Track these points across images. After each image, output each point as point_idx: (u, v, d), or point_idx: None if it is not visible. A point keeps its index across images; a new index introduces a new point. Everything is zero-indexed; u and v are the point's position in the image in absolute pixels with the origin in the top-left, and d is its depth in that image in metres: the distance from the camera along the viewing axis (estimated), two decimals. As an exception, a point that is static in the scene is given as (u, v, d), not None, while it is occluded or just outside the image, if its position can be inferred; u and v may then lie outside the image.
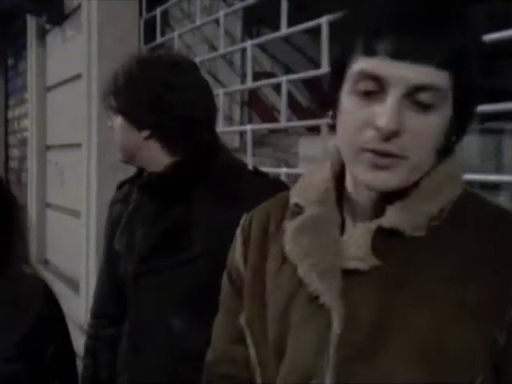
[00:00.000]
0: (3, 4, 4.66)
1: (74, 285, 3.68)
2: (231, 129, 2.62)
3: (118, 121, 1.37)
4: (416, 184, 0.79)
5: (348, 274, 0.79)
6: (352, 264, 0.79)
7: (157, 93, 1.31)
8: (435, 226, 0.78)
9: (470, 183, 1.66)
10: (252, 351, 0.91)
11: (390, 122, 0.72)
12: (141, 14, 3.20)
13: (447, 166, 0.81)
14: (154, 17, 3.05)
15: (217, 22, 2.51)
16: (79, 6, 3.49)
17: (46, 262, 4.54)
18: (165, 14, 3.06)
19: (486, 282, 0.74)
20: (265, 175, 1.43)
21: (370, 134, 0.74)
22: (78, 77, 3.49)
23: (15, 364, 1.21)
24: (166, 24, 3.14)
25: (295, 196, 0.90)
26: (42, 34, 4.53)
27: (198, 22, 2.66)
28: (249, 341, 0.91)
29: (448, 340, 0.74)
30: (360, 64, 0.74)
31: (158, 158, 1.36)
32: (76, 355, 1.41)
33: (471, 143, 1.86)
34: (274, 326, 0.87)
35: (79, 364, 1.45)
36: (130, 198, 1.46)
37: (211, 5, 2.78)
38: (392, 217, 0.78)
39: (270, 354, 0.88)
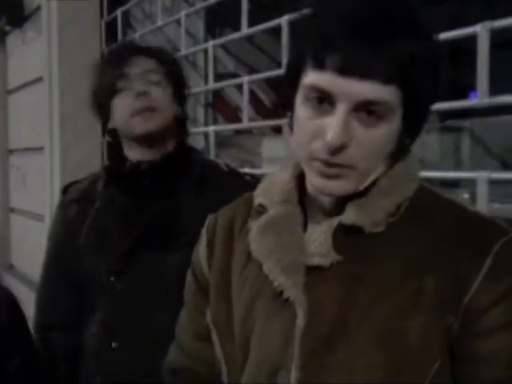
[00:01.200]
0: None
1: (39, 290, 3.61)
2: (195, 130, 2.61)
3: (168, 90, 1.39)
4: (374, 182, 0.82)
5: (311, 270, 0.81)
6: (314, 260, 0.81)
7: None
8: (393, 221, 0.81)
9: (430, 180, 1.69)
10: (218, 348, 0.93)
11: (337, 137, 0.74)
12: (102, 16, 3.17)
13: (403, 164, 0.84)
14: (115, 18, 3.02)
15: (178, 22, 2.50)
16: (39, 8, 3.43)
17: (10, 267, 4.46)
18: (126, 14, 3.04)
19: (443, 271, 0.77)
20: (237, 172, 1.46)
21: (319, 144, 0.76)
22: (39, 79, 3.44)
23: None
24: (128, 25, 3.12)
25: (259, 196, 0.92)
26: (1, 36, 4.44)
27: (160, 23, 2.64)
28: (214, 338, 0.93)
29: (406, 330, 0.77)
30: (310, 77, 0.76)
31: (172, 141, 1.40)
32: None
33: (431, 141, 1.89)
34: (240, 322, 0.89)
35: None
36: (91, 196, 1.43)
37: (173, 5, 2.76)
38: (352, 214, 0.81)
39: (236, 350, 0.89)
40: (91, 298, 1.40)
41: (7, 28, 4.28)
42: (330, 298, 0.80)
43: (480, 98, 1.36)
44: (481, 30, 1.35)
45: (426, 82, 0.77)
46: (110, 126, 1.41)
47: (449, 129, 1.85)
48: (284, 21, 1.88)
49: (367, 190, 0.82)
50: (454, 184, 1.74)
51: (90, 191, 1.45)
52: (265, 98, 2.93)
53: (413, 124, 0.80)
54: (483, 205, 1.37)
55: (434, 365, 0.77)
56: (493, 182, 1.39)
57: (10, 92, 4.35)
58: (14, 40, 4.22)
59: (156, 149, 1.38)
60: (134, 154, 1.40)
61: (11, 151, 4.36)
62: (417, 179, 0.86)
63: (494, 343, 0.76)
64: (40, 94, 3.35)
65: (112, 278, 1.35)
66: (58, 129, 3.07)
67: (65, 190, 1.52)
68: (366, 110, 0.75)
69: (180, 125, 1.43)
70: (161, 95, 1.36)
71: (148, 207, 1.36)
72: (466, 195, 1.70)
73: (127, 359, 1.33)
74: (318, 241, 0.82)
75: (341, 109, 0.74)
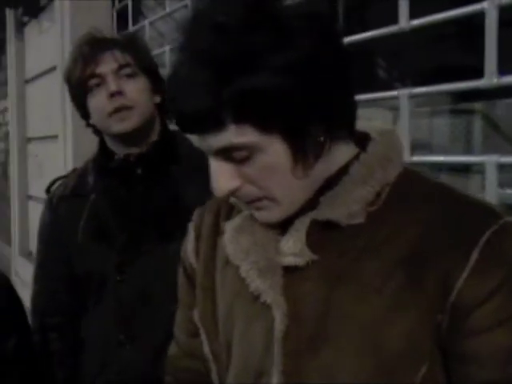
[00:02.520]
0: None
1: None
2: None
3: (143, 81, 1.34)
4: (345, 169, 0.76)
5: (289, 269, 0.77)
6: (289, 260, 0.76)
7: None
8: (374, 210, 0.74)
9: (439, 165, 1.65)
10: (206, 348, 0.90)
11: (219, 190, 0.74)
12: (114, 4, 3.16)
13: (378, 147, 0.77)
14: (127, 6, 3.01)
15: (187, 7, 2.47)
16: (53, -3, 3.45)
17: (29, 254, 4.51)
18: (137, 2, 3.02)
19: (430, 265, 0.70)
20: None
21: None
22: (53, 69, 3.45)
23: None
24: (139, 13, 3.10)
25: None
26: (20, 27, 4.47)
27: (168, 9, 2.62)
28: (203, 337, 0.90)
29: (391, 332, 0.71)
30: None
31: (157, 130, 1.37)
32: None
33: (441, 124, 1.84)
34: (222, 322, 0.86)
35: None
36: (82, 191, 1.39)
37: (182, -9, 2.73)
38: (325, 208, 0.75)
39: (222, 349, 0.86)
40: (92, 294, 1.37)
41: (24, 18, 4.31)
42: (310, 299, 0.74)
43: (487, 78, 1.31)
44: (488, 7, 1.29)
45: (283, 109, 0.68)
46: (91, 122, 1.37)
47: (460, 111, 1.79)
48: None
49: (340, 178, 0.75)
50: (465, 169, 1.69)
51: (80, 186, 1.41)
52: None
53: (303, 136, 0.71)
54: (493, 190, 1.31)
55: (421, 368, 0.70)
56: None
57: (27, 81, 4.39)
58: (30, 30, 4.25)
59: (141, 142, 1.35)
60: (119, 149, 1.37)
61: (29, 139, 4.40)
62: (399, 162, 0.78)
63: (484, 342, 0.69)
64: (54, 82, 3.36)
65: (114, 272, 1.32)
66: (70, 117, 3.07)
67: (49, 187, 1.47)
68: (231, 156, 0.71)
69: (161, 111, 1.38)
70: (136, 90, 1.31)
71: (144, 197, 1.33)
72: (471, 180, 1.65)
73: (136, 351, 1.31)
74: (292, 240, 0.76)
75: (212, 160, 0.73)
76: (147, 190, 1.34)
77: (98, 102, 1.31)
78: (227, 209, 0.90)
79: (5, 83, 5.60)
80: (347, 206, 0.74)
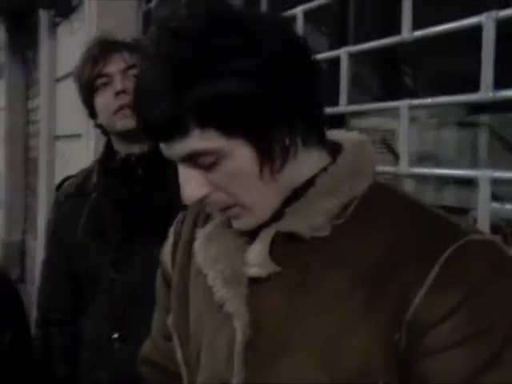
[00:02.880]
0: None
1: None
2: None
3: None
4: (313, 180, 0.76)
5: (254, 280, 0.77)
6: (252, 271, 0.77)
7: None
8: (340, 223, 0.74)
9: (445, 178, 1.63)
10: (179, 355, 0.91)
11: (187, 198, 0.74)
12: (140, 6, 3.22)
13: (348, 158, 0.77)
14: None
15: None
16: (84, -2, 3.52)
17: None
18: (163, 3, 3.06)
19: (394, 281, 0.70)
20: None
21: None
22: (79, 68, 3.52)
23: None
24: (165, 15, 3.15)
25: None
26: (53, 28, 4.58)
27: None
28: (175, 343, 0.91)
29: (347, 347, 0.71)
30: None
31: None
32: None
33: (447, 136, 1.83)
34: (192, 329, 0.87)
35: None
36: (85, 190, 1.45)
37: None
38: (288, 220, 0.75)
39: (193, 355, 0.88)
40: (89, 291, 1.42)
41: (57, 19, 4.41)
42: (273, 310, 0.75)
43: (483, 92, 1.30)
44: (486, 20, 1.29)
45: (246, 112, 0.69)
46: (99, 122, 1.44)
47: (467, 124, 1.78)
48: (299, 11, 1.86)
49: (306, 189, 0.76)
50: (470, 182, 1.67)
51: (84, 185, 1.47)
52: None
53: (273, 135, 0.72)
54: (486, 205, 1.30)
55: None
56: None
57: (58, 80, 4.48)
58: (62, 30, 4.35)
59: (143, 141, 1.38)
60: (122, 148, 1.42)
61: (57, 137, 4.49)
62: (369, 174, 0.77)
63: (444, 362, 0.67)
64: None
65: (109, 270, 1.37)
66: (92, 116, 3.13)
67: (59, 185, 1.54)
68: (197, 162, 0.72)
69: None
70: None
71: (142, 198, 1.37)
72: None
73: (129, 351, 1.32)
74: (256, 250, 0.77)
75: (179, 168, 0.74)
76: (145, 191, 1.38)
77: (104, 100, 1.38)
78: (204, 215, 0.90)
79: (38, 81, 5.73)
80: (310, 219, 0.74)
